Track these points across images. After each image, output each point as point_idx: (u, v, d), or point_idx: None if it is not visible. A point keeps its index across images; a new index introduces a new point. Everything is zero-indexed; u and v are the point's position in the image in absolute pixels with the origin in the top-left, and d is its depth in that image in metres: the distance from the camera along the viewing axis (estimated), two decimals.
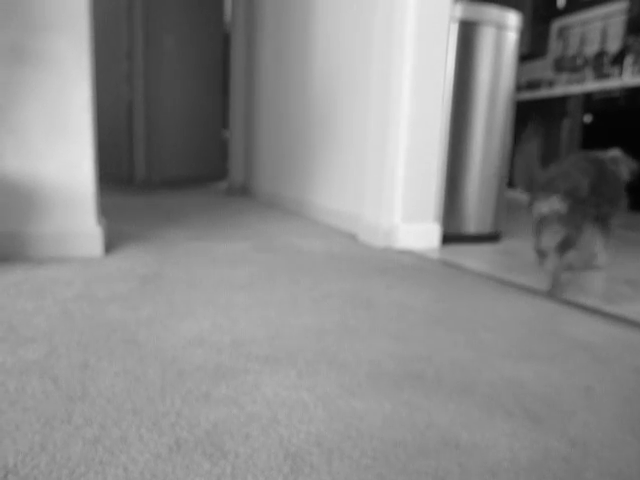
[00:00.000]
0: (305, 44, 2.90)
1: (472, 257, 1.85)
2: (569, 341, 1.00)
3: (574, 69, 4.95)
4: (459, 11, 1.96)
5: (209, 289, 1.27)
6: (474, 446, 0.62)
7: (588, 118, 4.30)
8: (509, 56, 2.10)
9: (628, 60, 4.40)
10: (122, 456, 0.57)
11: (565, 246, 1.32)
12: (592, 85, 4.26)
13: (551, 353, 0.93)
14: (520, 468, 0.58)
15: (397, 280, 1.45)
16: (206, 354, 0.86)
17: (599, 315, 1.19)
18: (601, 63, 4.68)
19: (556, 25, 5.24)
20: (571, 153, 4.48)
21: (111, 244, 1.81)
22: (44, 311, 1.05)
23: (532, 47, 5.24)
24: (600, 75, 4.68)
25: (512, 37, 2.09)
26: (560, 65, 5.11)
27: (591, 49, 4.89)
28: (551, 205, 1.31)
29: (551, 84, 5.15)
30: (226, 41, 5.62)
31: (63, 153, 1.55)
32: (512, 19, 2.07)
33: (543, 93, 4.70)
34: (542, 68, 5.40)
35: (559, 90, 4.54)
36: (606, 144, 4.15)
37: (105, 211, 2.78)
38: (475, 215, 2.14)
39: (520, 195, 4.97)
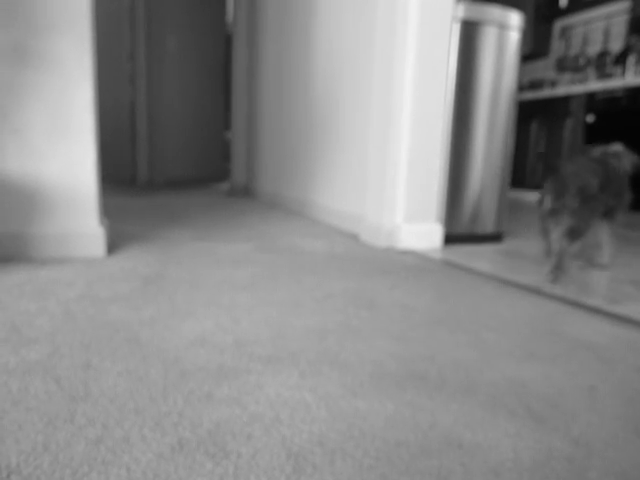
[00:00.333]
0: (307, 45, 2.90)
1: (474, 257, 1.84)
2: (572, 341, 1.00)
3: (576, 69, 4.94)
4: (461, 11, 1.95)
5: (211, 289, 1.27)
6: (477, 446, 0.61)
7: (591, 118, 4.29)
8: (511, 56, 2.09)
9: (631, 60, 4.39)
10: (125, 456, 0.57)
11: (573, 235, 1.41)
12: (594, 85, 4.25)
13: (554, 353, 0.93)
14: (523, 468, 0.57)
15: (399, 280, 1.45)
16: (208, 354, 0.86)
17: (602, 315, 1.19)
18: (604, 63, 4.67)
19: (558, 25, 5.23)
20: (574, 151, 4.47)
21: (114, 245, 1.81)
22: (47, 311, 1.05)
23: (534, 47, 5.23)
24: (602, 75, 4.67)
25: (514, 37, 2.08)
26: (562, 65, 5.10)
27: (593, 49, 4.88)
28: (563, 201, 1.40)
29: (553, 84, 5.14)
30: (228, 42, 5.62)
31: (65, 153, 1.56)
32: (514, 19, 2.06)
33: (545, 93, 4.69)
34: (544, 68, 5.39)
35: (561, 90, 4.53)
36: (609, 144, 4.14)
37: (108, 212, 2.79)
38: (477, 215, 2.13)
39: (521, 195, 4.96)
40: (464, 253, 1.92)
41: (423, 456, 0.59)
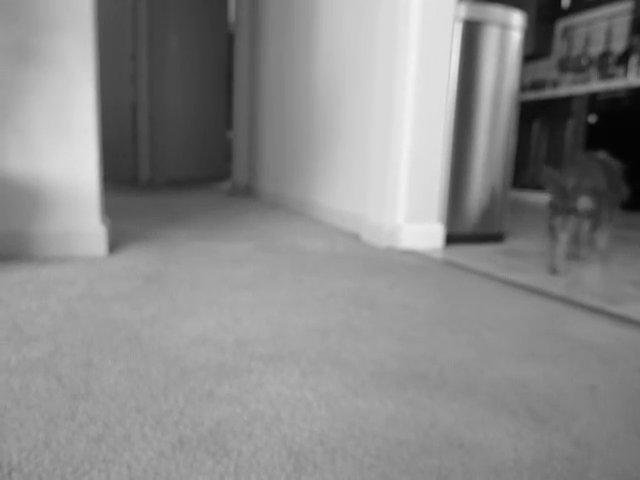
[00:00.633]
0: (309, 45, 2.90)
1: (476, 257, 1.84)
2: (573, 341, 1.00)
3: (579, 69, 4.94)
4: (463, 11, 1.95)
5: (213, 289, 1.27)
6: (478, 446, 0.61)
7: (593, 118, 4.29)
8: (513, 56, 2.09)
9: (633, 60, 4.39)
10: (125, 454, 0.57)
11: (593, 228, 1.68)
12: (597, 85, 4.25)
13: (555, 353, 0.93)
14: (524, 468, 0.57)
15: (400, 280, 1.45)
16: (209, 353, 0.86)
17: (603, 315, 1.18)
18: (606, 63, 4.67)
19: (561, 25, 5.22)
20: (566, 153, 4.47)
21: (115, 244, 1.81)
22: (48, 310, 1.05)
23: (536, 47, 5.23)
24: (605, 75, 4.66)
25: (516, 37, 2.08)
26: (564, 65, 5.09)
27: (596, 49, 4.88)
28: (583, 204, 1.55)
29: (555, 84, 5.14)
30: (230, 42, 5.63)
31: (67, 152, 1.56)
32: (516, 19, 2.06)
33: (547, 93, 4.68)
34: (546, 68, 5.39)
35: (563, 90, 4.53)
36: (611, 144, 4.14)
37: (109, 211, 2.79)
38: (479, 215, 2.13)
39: (522, 195, 4.96)
40: (465, 253, 1.92)
41: (424, 455, 0.59)
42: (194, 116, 5.29)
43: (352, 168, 2.38)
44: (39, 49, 1.49)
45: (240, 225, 2.44)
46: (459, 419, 0.68)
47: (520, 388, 0.78)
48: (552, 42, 5.31)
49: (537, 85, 5.23)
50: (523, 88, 5.41)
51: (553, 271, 1.61)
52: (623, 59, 4.48)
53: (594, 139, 4.28)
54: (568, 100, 4.50)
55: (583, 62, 4.88)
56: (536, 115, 4.80)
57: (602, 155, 1.81)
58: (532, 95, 4.83)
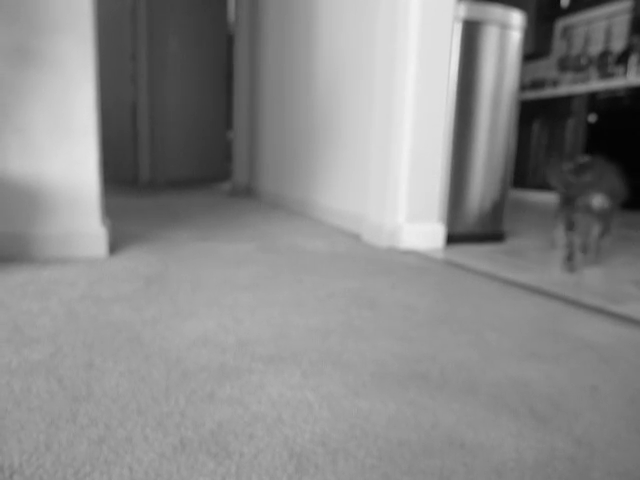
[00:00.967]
0: (308, 45, 2.90)
1: (476, 257, 1.84)
2: (574, 341, 1.00)
3: (578, 68, 4.94)
4: (463, 11, 1.95)
5: (213, 289, 1.27)
6: (479, 446, 0.61)
7: (593, 118, 4.29)
8: (513, 55, 2.09)
9: (633, 59, 4.39)
10: (127, 456, 0.57)
11: (604, 232, 1.72)
12: (596, 84, 4.25)
13: (556, 353, 0.93)
14: (526, 468, 0.57)
15: (401, 280, 1.44)
16: (210, 354, 0.86)
17: (604, 315, 1.18)
18: (605, 62, 4.67)
19: (560, 24, 5.22)
20: (566, 153, 4.47)
21: (116, 245, 1.81)
22: (49, 311, 1.05)
23: (536, 46, 5.23)
24: (604, 74, 4.66)
25: (516, 36, 2.08)
26: (564, 64, 5.09)
27: (595, 48, 4.87)
28: (599, 202, 1.63)
29: (555, 84, 5.14)
30: (230, 42, 5.63)
31: (68, 153, 1.56)
32: (516, 18, 2.06)
33: (547, 93, 4.68)
34: (546, 67, 5.39)
35: (563, 90, 4.53)
36: (611, 143, 4.14)
37: (109, 212, 2.79)
38: (479, 215, 2.13)
39: (523, 194, 4.96)
40: (466, 253, 1.92)
41: (425, 456, 0.59)
42: (194, 116, 5.29)
43: (352, 168, 2.38)
44: (39, 50, 1.49)
45: (240, 226, 2.44)
46: (460, 419, 0.68)
47: (521, 388, 0.78)
48: (552, 41, 5.31)
49: (537, 84, 5.23)
50: (523, 87, 5.41)
51: (571, 267, 1.66)
52: (623, 58, 4.47)
53: (594, 138, 4.28)
54: (568, 99, 4.50)
55: (583, 61, 4.88)
56: (536, 114, 4.80)
57: (585, 159, 1.85)
58: (532, 94, 4.83)
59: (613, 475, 0.57)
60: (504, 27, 2.04)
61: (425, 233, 2.00)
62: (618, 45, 4.66)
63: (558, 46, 5.25)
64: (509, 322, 1.10)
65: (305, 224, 2.58)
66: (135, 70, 4.80)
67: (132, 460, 0.56)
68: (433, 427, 0.65)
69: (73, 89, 1.54)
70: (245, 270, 1.50)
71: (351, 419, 0.67)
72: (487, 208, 2.14)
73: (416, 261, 1.74)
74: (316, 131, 2.81)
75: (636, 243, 2.33)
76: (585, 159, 1.84)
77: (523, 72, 5.62)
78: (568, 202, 1.72)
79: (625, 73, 4.45)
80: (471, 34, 1.99)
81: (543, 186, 4.71)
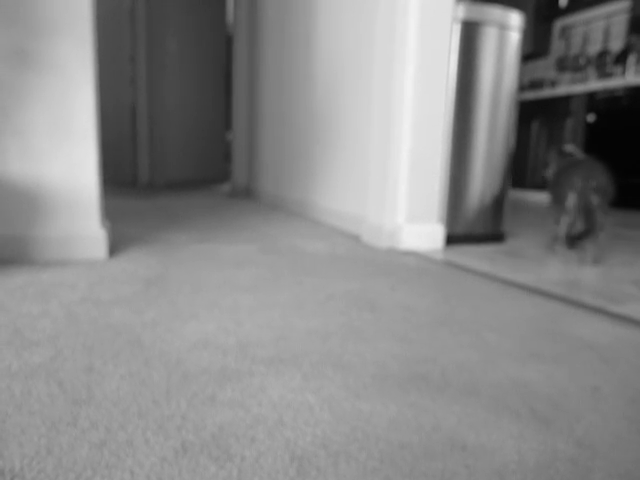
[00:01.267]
0: (307, 45, 2.90)
1: (476, 258, 1.84)
2: (574, 341, 1.00)
3: (577, 68, 4.94)
4: (461, 11, 1.95)
5: (213, 291, 1.27)
6: (481, 448, 0.61)
7: (591, 117, 4.29)
8: (512, 56, 2.09)
9: (631, 59, 4.39)
10: (128, 460, 0.57)
11: (599, 227, 1.79)
12: (595, 84, 4.25)
13: (556, 353, 0.93)
14: (527, 470, 0.57)
15: (401, 281, 1.44)
16: (211, 356, 0.86)
17: (604, 315, 1.18)
18: (604, 62, 4.67)
19: (558, 24, 5.23)
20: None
21: (115, 247, 1.81)
22: (49, 314, 1.05)
23: (534, 47, 5.23)
24: (603, 74, 4.67)
25: (515, 37, 2.08)
26: (563, 64, 5.10)
27: (594, 48, 4.88)
28: (591, 199, 1.74)
29: (554, 84, 5.14)
30: (229, 43, 5.63)
31: (67, 155, 1.56)
32: (514, 19, 2.06)
33: (546, 93, 4.69)
34: (545, 68, 5.39)
35: (562, 90, 4.53)
36: (609, 143, 4.14)
37: (109, 214, 2.79)
38: (479, 215, 2.13)
39: (522, 194, 4.96)
40: (466, 253, 1.92)
41: (427, 458, 0.59)
42: (193, 117, 5.29)
43: (352, 169, 2.38)
44: (38, 52, 1.49)
45: (240, 227, 2.44)
46: (462, 421, 0.68)
47: (522, 389, 0.78)
48: (550, 41, 5.32)
49: (535, 85, 5.23)
50: (521, 88, 5.41)
51: (571, 244, 1.86)
52: (621, 58, 4.48)
53: (593, 138, 4.29)
54: (567, 99, 4.50)
55: (581, 61, 4.89)
56: (535, 115, 4.80)
57: (570, 148, 2.00)
58: (530, 95, 4.83)
59: (615, 476, 0.57)
60: (503, 28, 2.04)
61: (425, 234, 2.00)
62: (616, 45, 4.67)
63: (556, 46, 5.26)
64: (509, 323, 1.10)
65: (305, 225, 2.58)
66: (134, 71, 4.80)
67: (133, 464, 0.56)
68: (434, 429, 0.65)
69: (72, 91, 1.54)
70: (245, 272, 1.50)
71: (352, 421, 0.66)
72: (487, 208, 2.14)
73: (416, 262, 1.74)
74: (315, 132, 2.81)
75: (635, 243, 2.33)
76: (570, 148, 1.97)
77: (522, 72, 5.63)
78: (556, 199, 1.89)
79: (623, 73, 4.45)
80: (470, 35, 1.99)
81: (543, 186, 4.72)
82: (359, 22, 2.28)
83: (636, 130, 3.94)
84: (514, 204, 4.37)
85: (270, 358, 0.86)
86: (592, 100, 4.29)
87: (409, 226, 1.97)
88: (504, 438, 0.64)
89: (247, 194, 4.22)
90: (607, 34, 4.74)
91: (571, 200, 1.78)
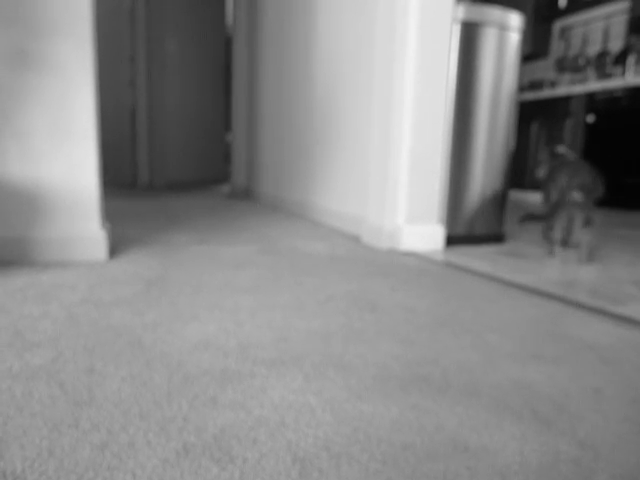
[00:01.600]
0: (307, 46, 2.90)
1: (476, 258, 1.84)
2: (576, 342, 1.00)
3: (576, 69, 4.95)
4: (461, 12, 1.95)
5: (214, 293, 1.27)
6: (483, 449, 0.61)
7: (591, 118, 4.29)
8: (511, 57, 2.09)
9: (630, 60, 4.40)
10: (130, 461, 0.56)
11: (587, 223, 1.86)
12: (594, 85, 4.26)
13: (558, 354, 0.93)
14: (530, 471, 0.57)
15: (401, 282, 1.44)
16: (212, 358, 0.86)
17: (605, 316, 1.18)
18: (603, 63, 4.68)
19: (558, 25, 5.23)
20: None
21: (115, 248, 1.81)
22: (50, 316, 1.05)
23: (534, 47, 5.24)
24: (602, 75, 4.67)
25: (514, 38, 2.08)
26: (562, 65, 5.10)
27: (593, 49, 4.88)
28: (578, 197, 1.83)
29: (553, 84, 5.15)
30: (228, 44, 5.63)
31: (67, 157, 1.56)
32: (514, 20, 2.06)
33: (545, 93, 4.69)
34: (544, 68, 5.40)
35: (561, 90, 4.53)
36: (609, 144, 4.15)
37: (109, 215, 2.79)
38: (479, 216, 2.13)
39: (522, 195, 4.96)
40: (466, 254, 1.92)
41: (429, 460, 0.59)
42: (193, 118, 5.29)
43: (352, 169, 2.38)
44: (38, 53, 1.49)
45: (240, 228, 2.44)
46: (464, 422, 0.67)
47: (524, 390, 0.78)
48: (549, 42, 5.32)
49: (535, 85, 5.24)
50: (521, 88, 5.42)
51: (551, 252, 1.92)
52: (620, 59, 4.48)
53: (592, 139, 4.29)
54: (566, 100, 4.50)
55: (581, 62, 4.89)
56: (534, 115, 4.81)
57: (562, 149, 2.08)
58: (530, 95, 4.84)
59: (617, 478, 0.57)
60: (502, 28, 2.04)
61: (425, 235, 2.00)
62: (616, 45, 4.67)
63: (556, 47, 5.26)
64: (510, 323, 1.10)
65: (304, 226, 2.58)
66: (133, 72, 4.80)
67: (135, 466, 0.56)
68: (436, 430, 0.65)
69: (72, 92, 1.54)
70: (245, 273, 1.50)
71: (354, 423, 0.66)
72: (487, 209, 2.14)
73: (416, 263, 1.74)
74: (315, 132, 2.81)
75: (636, 243, 2.33)
76: (561, 149, 2.06)
77: (521, 73, 5.63)
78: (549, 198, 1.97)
79: (623, 73, 4.46)
80: (470, 35, 1.99)
81: (539, 186, 4.72)
82: (359, 22, 2.28)
83: (636, 130, 3.94)
84: (514, 204, 4.37)
85: (271, 359, 0.86)
86: (592, 101, 4.29)
87: (409, 227, 1.97)
88: (506, 439, 0.64)
89: (247, 195, 4.21)
90: (606, 35, 4.74)
91: (554, 197, 1.88)
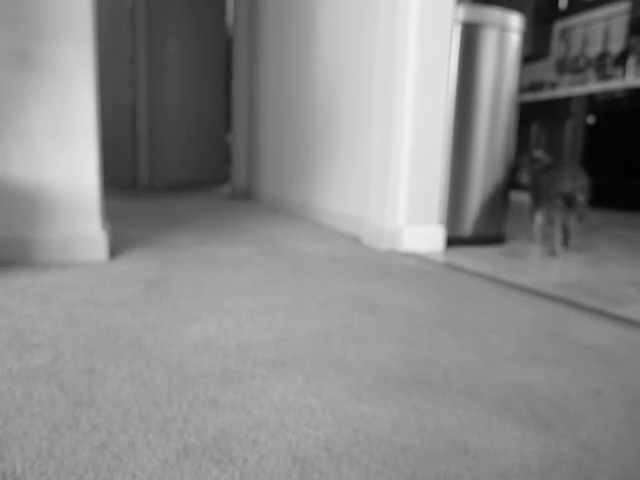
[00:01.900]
0: (308, 46, 2.90)
1: (477, 259, 1.84)
2: (576, 343, 1.00)
3: (577, 70, 4.95)
4: (462, 13, 1.96)
5: (214, 293, 1.27)
6: (484, 451, 0.61)
7: (591, 119, 4.29)
8: (512, 58, 2.10)
9: (631, 61, 4.40)
10: (130, 462, 0.56)
11: (581, 219, 1.97)
12: (595, 86, 4.26)
13: (558, 356, 0.93)
14: (530, 473, 0.57)
15: (402, 283, 1.44)
16: (212, 359, 0.86)
17: (605, 317, 1.18)
18: (604, 64, 4.68)
19: (558, 26, 5.24)
20: (564, 154, 4.47)
21: (116, 249, 1.81)
22: (50, 316, 1.05)
23: (534, 48, 5.24)
24: (603, 76, 4.67)
25: (515, 39, 2.09)
26: (562, 66, 5.10)
27: (593, 50, 4.89)
28: (580, 197, 1.92)
29: (554, 85, 5.15)
30: (229, 44, 5.63)
31: (68, 158, 1.56)
32: (514, 21, 2.07)
33: (546, 94, 4.69)
34: (544, 69, 5.40)
35: (562, 91, 4.53)
36: (609, 145, 4.15)
37: (109, 215, 2.79)
38: (479, 217, 2.13)
39: (523, 196, 4.96)
40: (466, 255, 1.92)
41: (430, 461, 0.59)
42: (193, 119, 5.29)
43: (352, 170, 2.38)
44: (39, 54, 1.49)
45: (240, 229, 2.44)
46: (464, 424, 0.67)
47: (524, 391, 0.78)
48: (550, 43, 5.32)
49: (535, 86, 5.24)
50: (521, 89, 5.42)
51: (552, 253, 1.96)
52: (621, 60, 4.48)
53: (593, 140, 4.29)
54: (566, 101, 4.50)
55: (581, 63, 4.89)
56: (535, 116, 4.81)
57: (539, 153, 2.19)
58: (530, 96, 4.84)
59: (618, 479, 0.56)
60: (503, 29, 2.04)
61: (425, 236, 2.00)
62: (616, 47, 4.67)
63: (556, 48, 5.26)
64: (510, 325, 1.10)
65: (305, 227, 2.58)
66: (134, 73, 4.80)
67: (135, 467, 0.56)
68: (437, 432, 0.65)
69: (73, 93, 1.54)
70: (246, 274, 1.50)
71: (354, 424, 0.66)
72: (487, 210, 2.14)
73: (416, 264, 1.73)
74: (316, 133, 2.81)
75: (635, 244, 2.33)
76: (538, 154, 2.18)
77: (521, 74, 5.63)
78: (539, 199, 2.06)
79: (623, 75, 4.46)
80: (470, 36, 1.99)
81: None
82: (360, 22, 2.28)
83: (636, 132, 3.94)
84: (514, 206, 4.37)
85: (271, 360, 0.86)
86: (592, 102, 4.29)
87: (410, 228, 1.97)
88: (507, 441, 0.64)
89: (247, 196, 4.21)
90: (607, 36, 4.75)
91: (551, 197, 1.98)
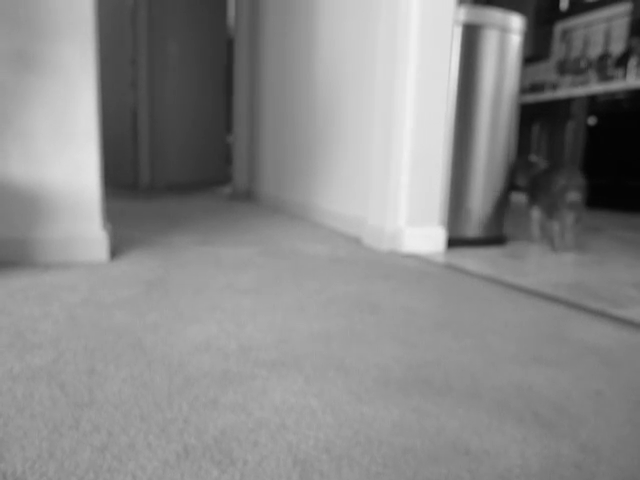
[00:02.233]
0: (309, 49, 2.90)
1: (478, 260, 1.84)
2: (577, 345, 1.00)
3: (578, 71, 4.95)
4: (463, 15, 1.96)
5: (215, 294, 1.27)
6: (484, 452, 0.61)
7: (592, 120, 4.29)
8: (513, 59, 2.09)
9: (632, 62, 4.39)
10: (130, 463, 0.56)
11: (578, 220, 2.04)
12: (596, 87, 4.25)
13: (559, 357, 0.93)
14: (531, 474, 0.57)
15: (403, 284, 1.44)
16: (213, 360, 0.86)
17: (606, 318, 1.18)
18: (605, 65, 4.68)
19: (559, 27, 5.23)
20: (566, 155, 4.47)
21: (116, 249, 1.81)
22: (51, 316, 1.05)
23: (535, 50, 5.24)
24: (604, 77, 4.67)
25: (516, 40, 2.09)
26: (564, 67, 5.10)
27: (595, 51, 4.88)
28: (572, 197, 1.98)
29: (555, 86, 5.15)
30: (230, 46, 5.64)
31: (69, 159, 1.56)
32: (515, 22, 2.07)
33: (547, 96, 4.69)
34: (545, 70, 5.40)
35: (563, 92, 4.53)
36: (610, 146, 4.14)
37: (110, 216, 2.79)
38: (480, 218, 2.13)
39: (523, 197, 4.95)
40: (467, 256, 1.92)
41: (430, 462, 0.59)
42: (194, 120, 5.29)
43: (353, 171, 2.38)
44: (41, 56, 1.50)
45: (241, 230, 2.44)
46: (465, 425, 0.67)
47: (525, 393, 0.77)
48: (551, 44, 5.32)
49: (536, 87, 5.24)
50: (522, 90, 5.42)
51: (556, 248, 2.04)
52: (622, 61, 4.48)
53: (594, 141, 4.29)
54: (567, 102, 4.50)
55: (582, 64, 4.89)
56: (536, 117, 4.81)
57: (534, 157, 2.25)
58: (531, 97, 4.84)
59: None
60: (504, 31, 2.04)
61: (426, 236, 2.00)
62: (617, 48, 4.67)
63: (557, 49, 5.26)
64: (511, 326, 1.10)
65: (306, 228, 2.58)
66: (135, 74, 4.80)
67: (135, 467, 0.56)
68: (438, 433, 0.65)
69: (75, 94, 1.54)
70: (246, 274, 1.50)
71: (355, 425, 0.66)
72: (488, 211, 2.14)
73: (417, 265, 1.73)
74: (317, 134, 2.81)
75: (637, 245, 2.33)
76: (534, 158, 2.24)
77: (522, 75, 5.63)
78: (535, 200, 2.14)
79: (624, 76, 4.45)
80: (471, 38, 1.99)
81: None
82: (361, 24, 2.28)
83: (637, 133, 3.94)
84: (515, 207, 4.37)
85: (272, 361, 0.86)
86: (593, 103, 4.29)
87: (410, 229, 1.97)
88: (508, 442, 0.64)
89: (248, 196, 4.22)
90: (608, 37, 4.74)
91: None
